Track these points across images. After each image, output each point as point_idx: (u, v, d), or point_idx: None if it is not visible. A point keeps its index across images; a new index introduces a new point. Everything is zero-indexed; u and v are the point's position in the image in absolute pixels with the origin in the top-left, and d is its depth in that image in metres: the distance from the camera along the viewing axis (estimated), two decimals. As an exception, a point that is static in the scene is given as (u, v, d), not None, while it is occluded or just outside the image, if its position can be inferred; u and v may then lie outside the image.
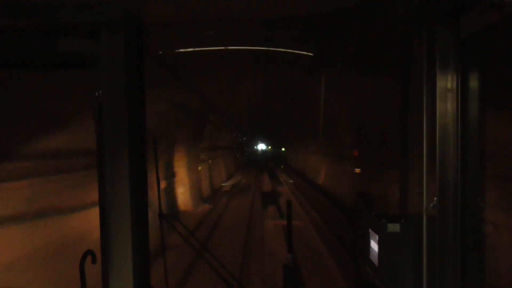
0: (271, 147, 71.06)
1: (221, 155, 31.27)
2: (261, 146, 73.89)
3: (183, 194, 16.44)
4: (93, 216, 5.06)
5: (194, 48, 6.65)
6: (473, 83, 2.38)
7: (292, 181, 33.84)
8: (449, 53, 2.38)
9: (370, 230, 2.83)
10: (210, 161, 24.64)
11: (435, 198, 2.44)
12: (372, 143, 11.29)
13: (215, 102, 16.32)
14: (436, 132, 2.41)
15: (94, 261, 2.73)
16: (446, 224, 2.42)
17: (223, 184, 29.79)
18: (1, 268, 5.80)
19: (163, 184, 13.02)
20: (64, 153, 7.16)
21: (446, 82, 2.40)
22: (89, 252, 2.73)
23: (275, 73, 10.87)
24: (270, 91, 14.92)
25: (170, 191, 14.81)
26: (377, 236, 2.68)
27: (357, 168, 13.85)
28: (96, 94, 2.71)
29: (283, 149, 54.59)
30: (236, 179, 35.81)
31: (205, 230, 14.44)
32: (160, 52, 6.59)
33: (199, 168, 20.25)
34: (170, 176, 14.74)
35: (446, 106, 2.40)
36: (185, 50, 6.70)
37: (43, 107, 5.98)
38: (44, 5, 2.57)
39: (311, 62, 8.34)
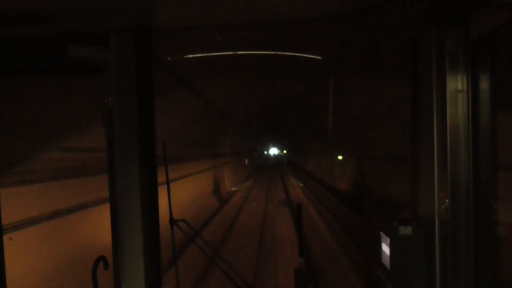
0: (287, 151, 55.99)
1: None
2: (273, 151, 60.79)
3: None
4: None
5: (202, 53, 6.66)
6: (484, 84, 2.36)
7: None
8: (458, 54, 2.36)
9: (381, 233, 2.81)
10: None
11: (446, 200, 2.42)
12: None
13: (223, 106, 16.30)
14: (447, 133, 2.40)
15: (106, 266, 2.74)
16: (459, 226, 2.39)
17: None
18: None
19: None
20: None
21: (456, 84, 2.38)
22: (101, 258, 2.74)
23: (285, 74, 10.84)
24: (281, 87, 14.74)
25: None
26: (388, 239, 2.65)
27: None
28: (106, 100, 2.72)
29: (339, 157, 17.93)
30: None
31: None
32: (169, 58, 6.61)
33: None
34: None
35: (457, 108, 2.39)
36: (194, 55, 6.72)
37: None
38: (54, 13, 2.60)
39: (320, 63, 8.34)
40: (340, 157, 17.72)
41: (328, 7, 2.84)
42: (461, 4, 2.29)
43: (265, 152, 61.19)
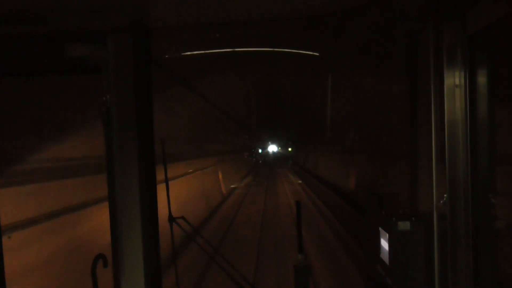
0: (292, 148, 39.93)
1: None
2: (272, 148, 46.24)
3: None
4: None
5: (200, 51, 6.65)
6: (481, 78, 2.36)
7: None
8: (456, 49, 2.37)
9: (380, 228, 2.82)
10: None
11: (445, 195, 2.42)
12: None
13: (219, 102, 16.18)
14: (445, 128, 2.40)
15: (105, 265, 2.74)
16: (457, 221, 2.40)
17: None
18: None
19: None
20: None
21: (453, 78, 2.39)
22: (101, 256, 2.74)
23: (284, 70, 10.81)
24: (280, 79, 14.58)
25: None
26: (387, 234, 2.66)
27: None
28: (104, 99, 2.72)
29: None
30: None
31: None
32: (166, 56, 6.60)
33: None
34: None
35: (454, 102, 2.39)
36: (191, 53, 6.71)
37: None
38: (52, 13, 2.59)
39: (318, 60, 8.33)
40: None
41: (326, 4, 2.84)
42: None
43: (260, 151, 45.05)
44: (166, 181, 3.40)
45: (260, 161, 42.72)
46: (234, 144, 28.14)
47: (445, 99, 2.39)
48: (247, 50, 7.20)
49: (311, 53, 7.55)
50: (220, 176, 20.41)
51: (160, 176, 3.14)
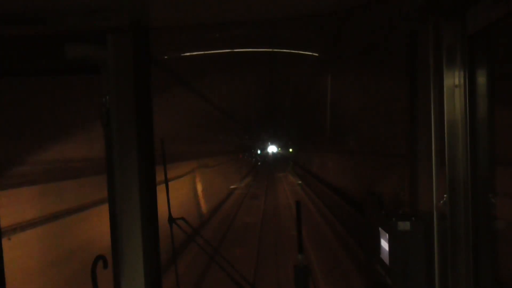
0: (293, 149, 36.49)
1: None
2: (272, 148, 42.49)
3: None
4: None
5: (199, 51, 6.65)
6: (481, 78, 2.36)
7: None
8: (456, 48, 2.37)
9: (380, 228, 2.82)
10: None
11: (445, 195, 2.42)
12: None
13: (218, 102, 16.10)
14: (445, 128, 2.40)
15: (105, 266, 2.74)
16: (457, 221, 2.40)
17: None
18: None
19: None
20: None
21: (453, 78, 2.39)
22: (101, 257, 2.74)
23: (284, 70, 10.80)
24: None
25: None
26: (387, 234, 2.66)
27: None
28: (104, 99, 2.72)
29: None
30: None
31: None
32: (166, 57, 6.60)
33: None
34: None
35: (454, 102, 2.39)
36: (191, 54, 6.71)
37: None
38: (52, 13, 2.59)
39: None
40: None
41: (326, 4, 2.84)
42: None
43: (259, 152, 41.68)
44: (166, 181, 3.40)
45: (259, 163, 40.41)
46: (228, 145, 25.08)
47: (445, 99, 2.39)
48: (247, 51, 7.20)
49: (311, 53, 7.55)
50: (200, 188, 14.91)
51: (159, 176, 3.14)
